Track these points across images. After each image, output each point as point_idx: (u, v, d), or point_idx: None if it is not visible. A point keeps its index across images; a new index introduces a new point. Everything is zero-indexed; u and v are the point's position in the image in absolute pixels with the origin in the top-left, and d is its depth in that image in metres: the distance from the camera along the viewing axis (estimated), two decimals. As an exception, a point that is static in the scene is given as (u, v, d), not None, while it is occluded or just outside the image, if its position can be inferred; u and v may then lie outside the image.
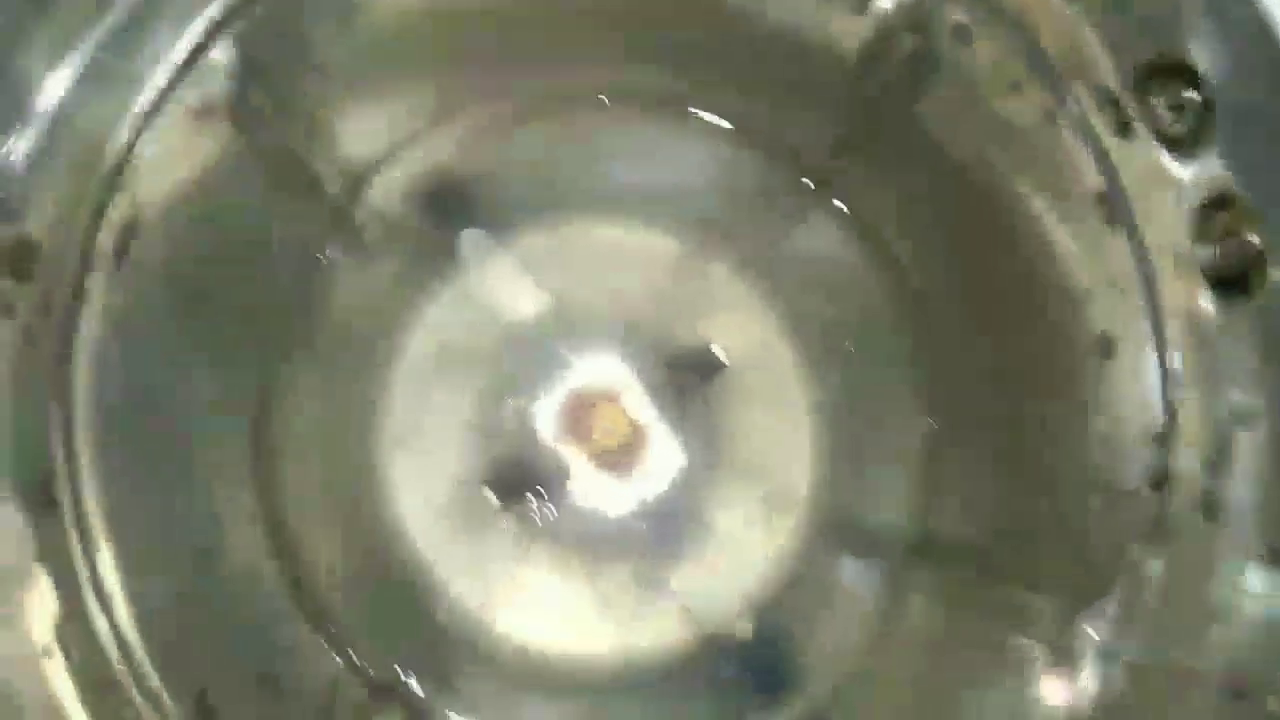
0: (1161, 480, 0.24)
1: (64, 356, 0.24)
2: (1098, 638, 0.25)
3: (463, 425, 0.38)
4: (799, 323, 0.39)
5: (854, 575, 0.38)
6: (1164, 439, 0.24)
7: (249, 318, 0.33)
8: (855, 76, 0.34)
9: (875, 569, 0.38)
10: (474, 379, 0.38)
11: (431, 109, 0.37)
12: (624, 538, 0.38)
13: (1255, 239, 0.20)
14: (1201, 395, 0.23)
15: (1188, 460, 0.23)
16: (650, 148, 0.39)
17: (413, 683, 0.35)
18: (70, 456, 0.24)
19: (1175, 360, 0.24)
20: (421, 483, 0.37)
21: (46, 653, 0.21)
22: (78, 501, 0.24)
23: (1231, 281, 0.22)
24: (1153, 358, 0.24)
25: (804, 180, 0.38)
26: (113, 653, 0.23)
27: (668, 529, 0.38)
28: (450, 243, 0.38)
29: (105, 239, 0.25)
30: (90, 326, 0.25)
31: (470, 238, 0.39)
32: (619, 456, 0.38)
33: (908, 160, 0.34)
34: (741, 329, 0.39)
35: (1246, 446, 0.21)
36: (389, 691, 0.34)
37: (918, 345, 0.37)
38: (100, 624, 0.23)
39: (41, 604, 0.22)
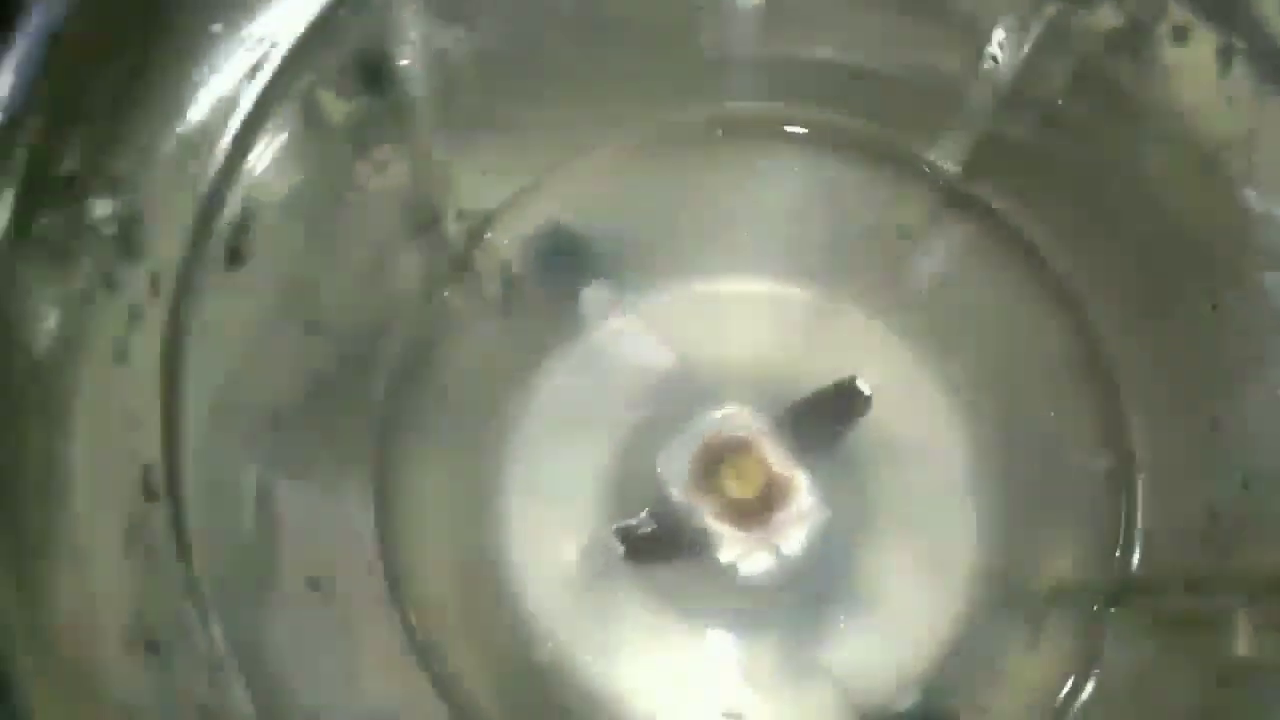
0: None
1: (173, 347, 0.23)
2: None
3: (591, 487, 0.35)
4: (949, 362, 0.36)
5: (1030, 639, 0.33)
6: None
7: (363, 363, 0.32)
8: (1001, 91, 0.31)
9: (1054, 630, 0.33)
10: (601, 439, 0.36)
11: (550, 158, 0.37)
12: (769, 604, 0.35)
13: None
14: None
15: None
16: (770, 185, 0.37)
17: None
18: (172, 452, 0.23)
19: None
20: (550, 549, 0.35)
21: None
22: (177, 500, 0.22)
23: None
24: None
25: (939, 202, 0.35)
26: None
27: (817, 593, 0.35)
28: (572, 299, 0.37)
29: (217, 234, 0.24)
30: (200, 324, 0.24)
31: (591, 294, 0.38)
32: (757, 510, 0.35)
33: (1054, 166, 0.32)
34: (885, 372, 0.36)
35: None
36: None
37: (1087, 372, 0.34)
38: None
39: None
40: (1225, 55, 0.24)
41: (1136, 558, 0.32)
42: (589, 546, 0.35)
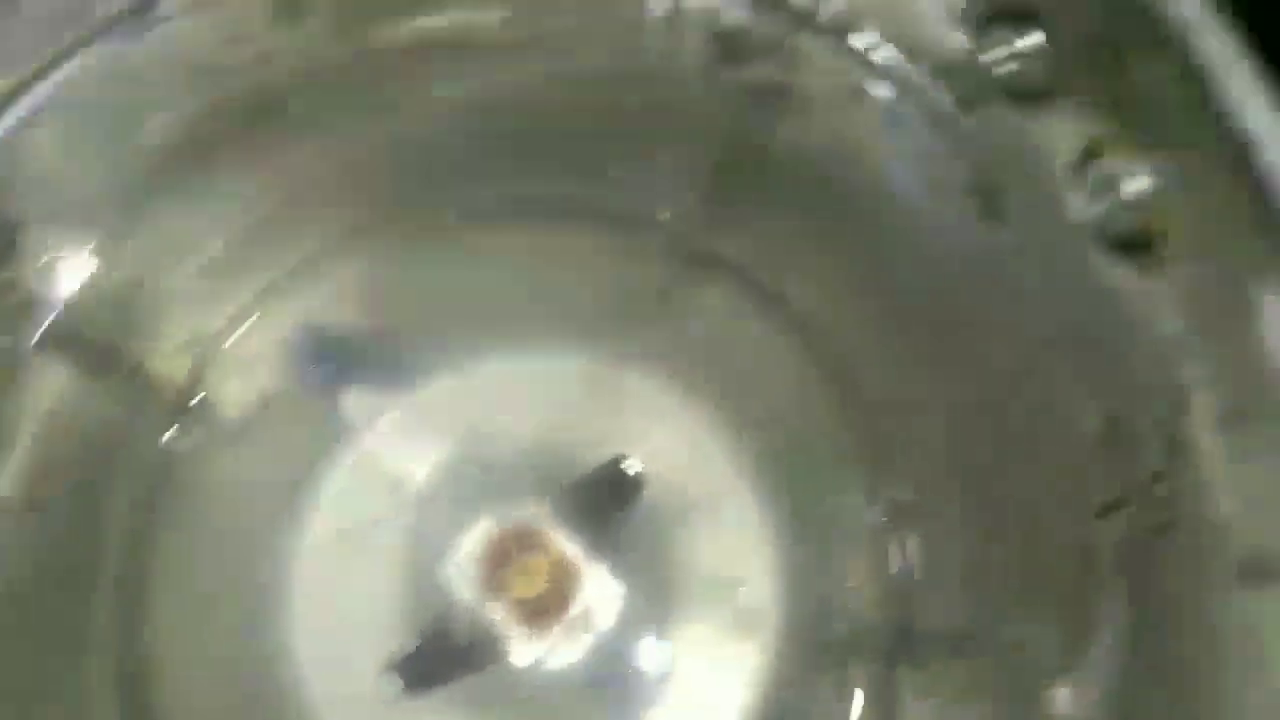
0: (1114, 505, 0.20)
1: None
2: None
3: (373, 606, 0.33)
4: (724, 417, 0.35)
5: (836, 689, 0.33)
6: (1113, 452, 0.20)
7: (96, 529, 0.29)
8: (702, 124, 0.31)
9: (858, 678, 0.32)
10: (380, 553, 0.34)
11: (291, 261, 0.35)
12: (581, 694, 0.33)
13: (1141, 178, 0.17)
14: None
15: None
16: (521, 263, 0.36)
17: None
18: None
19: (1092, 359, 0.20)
20: (337, 675, 0.33)
21: None
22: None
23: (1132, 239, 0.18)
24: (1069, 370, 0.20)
25: (685, 263, 0.35)
26: None
27: (627, 673, 0.34)
28: (333, 405, 0.35)
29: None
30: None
31: (354, 396, 0.36)
32: (550, 603, 0.34)
33: (778, 198, 0.31)
34: (664, 437, 0.35)
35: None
36: None
37: (853, 421, 0.33)
38: None
39: None
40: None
41: (913, 613, 0.31)
42: (377, 675, 0.33)
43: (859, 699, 0.33)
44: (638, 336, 0.36)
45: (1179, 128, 0.16)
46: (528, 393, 0.36)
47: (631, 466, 0.34)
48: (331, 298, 0.35)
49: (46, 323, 0.26)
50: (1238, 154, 0.15)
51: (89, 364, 0.28)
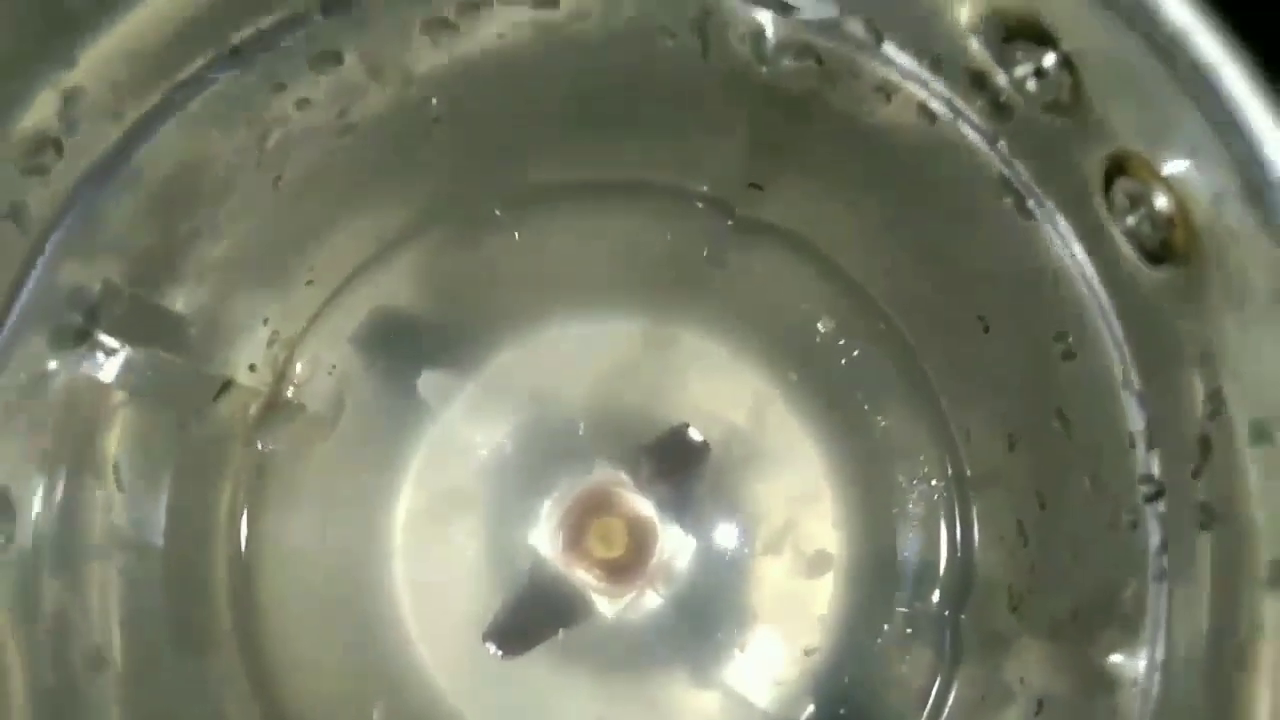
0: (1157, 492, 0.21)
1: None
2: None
3: (466, 574, 0.36)
4: (780, 373, 0.37)
5: (905, 629, 0.35)
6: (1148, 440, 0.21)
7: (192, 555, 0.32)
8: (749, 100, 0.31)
9: (926, 620, 0.34)
10: (466, 525, 0.36)
11: (354, 265, 0.36)
12: (664, 646, 0.36)
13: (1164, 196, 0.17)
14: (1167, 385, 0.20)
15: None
16: (576, 241, 0.37)
17: None
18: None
19: (1130, 350, 0.21)
20: (438, 637, 0.35)
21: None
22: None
23: (1159, 251, 0.19)
24: (1112, 353, 0.21)
25: (733, 230, 0.35)
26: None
27: (706, 620, 0.36)
28: (410, 390, 0.37)
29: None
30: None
31: (429, 380, 0.37)
32: (629, 561, 0.36)
33: (821, 163, 0.32)
34: (725, 394, 0.37)
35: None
36: None
37: (908, 382, 0.34)
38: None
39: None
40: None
41: (973, 565, 0.33)
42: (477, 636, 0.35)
43: (922, 642, 0.34)
44: (692, 301, 0.37)
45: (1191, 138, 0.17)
46: (591, 360, 0.37)
47: (696, 433, 0.36)
48: (398, 283, 0.37)
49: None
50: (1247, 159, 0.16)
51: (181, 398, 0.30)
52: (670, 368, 0.37)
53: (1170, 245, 0.18)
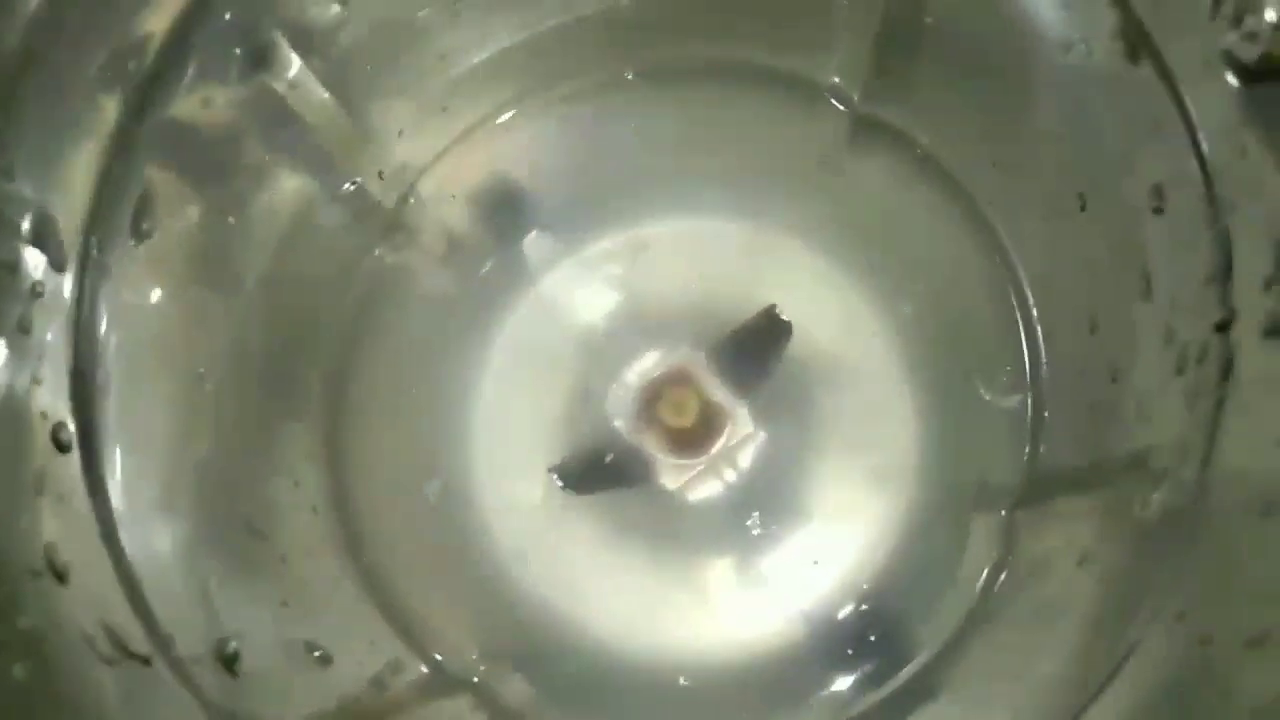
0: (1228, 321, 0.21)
1: (80, 316, 0.25)
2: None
3: (542, 423, 0.37)
4: (877, 283, 0.37)
5: (964, 535, 0.35)
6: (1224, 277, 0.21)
7: (294, 323, 0.34)
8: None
9: (987, 525, 0.34)
10: (549, 379, 0.37)
11: (485, 110, 0.38)
12: (715, 524, 0.36)
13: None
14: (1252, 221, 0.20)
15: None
16: (691, 126, 0.38)
17: (484, 669, 0.34)
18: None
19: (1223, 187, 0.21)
20: (503, 479, 0.37)
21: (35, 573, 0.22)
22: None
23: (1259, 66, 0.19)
24: (1201, 191, 0.21)
25: (849, 129, 0.36)
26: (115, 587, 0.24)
27: (760, 510, 0.36)
28: (515, 249, 0.39)
29: (120, 209, 0.26)
30: (108, 294, 0.26)
31: (536, 242, 0.39)
32: (697, 437, 0.37)
33: (934, 66, 0.32)
34: (817, 300, 0.37)
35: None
36: (457, 678, 0.33)
37: (998, 283, 0.35)
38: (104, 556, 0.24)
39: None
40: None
41: (1039, 458, 0.32)
42: (544, 476, 0.37)
43: (979, 546, 0.34)
44: (798, 201, 0.38)
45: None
46: (690, 254, 0.38)
47: (782, 313, 0.36)
48: (520, 148, 0.38)
49: (289, 133, 0.30)
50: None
51: (321, 176, 0.33)
52: (765, 269, 0.38)
53: (1272, 58, 0.18)
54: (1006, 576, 0.32)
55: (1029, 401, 0.33)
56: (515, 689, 0.34)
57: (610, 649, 0.35)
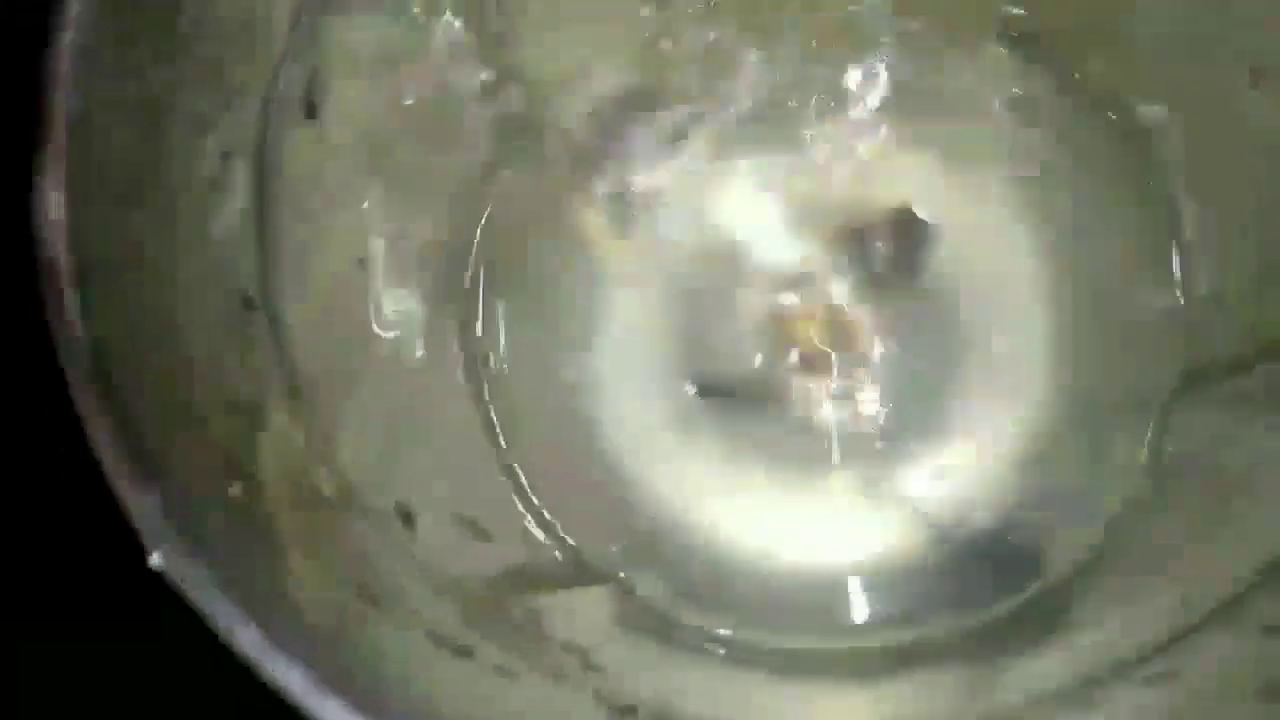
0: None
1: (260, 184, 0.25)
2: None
3: (667, 337, 0.37)
4: (1024, 196, 0.36)
5: (1096, 451, 0.34)
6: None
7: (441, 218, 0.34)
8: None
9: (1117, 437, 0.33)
10: (674, 291, 0.37)
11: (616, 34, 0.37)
12: (846, 440, 0.36)
13: None
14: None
15: None
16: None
17: (619, 560, 0.34)
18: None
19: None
20: (628, 393, 0.36)
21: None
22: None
23: None
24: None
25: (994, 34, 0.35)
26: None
27: (893, 424, 0.36)
28: (647, 161, 0.38)
29: (292, 85, 0.26)
30: (283, 167, 0.26)
31: (654, 154, 0.38)
32: (829, 357, 0.36)
33: None
34: (961, 213, 0.36)
35: None
36: (592, 568, 0.33)
37: (1146, 187, 0.33)
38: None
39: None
40: None
41: (1186, 358, 0.32)
42: (670, 390, 0.36)
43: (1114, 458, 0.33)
44: (937, 110, 0.37)
45: None
46: (823, 160, 0.37)
47: (920, 212, 0.36)
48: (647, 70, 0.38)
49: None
50: None
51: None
52: (905, 180, 0.37)
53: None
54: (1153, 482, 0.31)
55: (1181, 299, 0.32)
56: (652, 585, 0.34)
57: (739, 555, 0.35)
